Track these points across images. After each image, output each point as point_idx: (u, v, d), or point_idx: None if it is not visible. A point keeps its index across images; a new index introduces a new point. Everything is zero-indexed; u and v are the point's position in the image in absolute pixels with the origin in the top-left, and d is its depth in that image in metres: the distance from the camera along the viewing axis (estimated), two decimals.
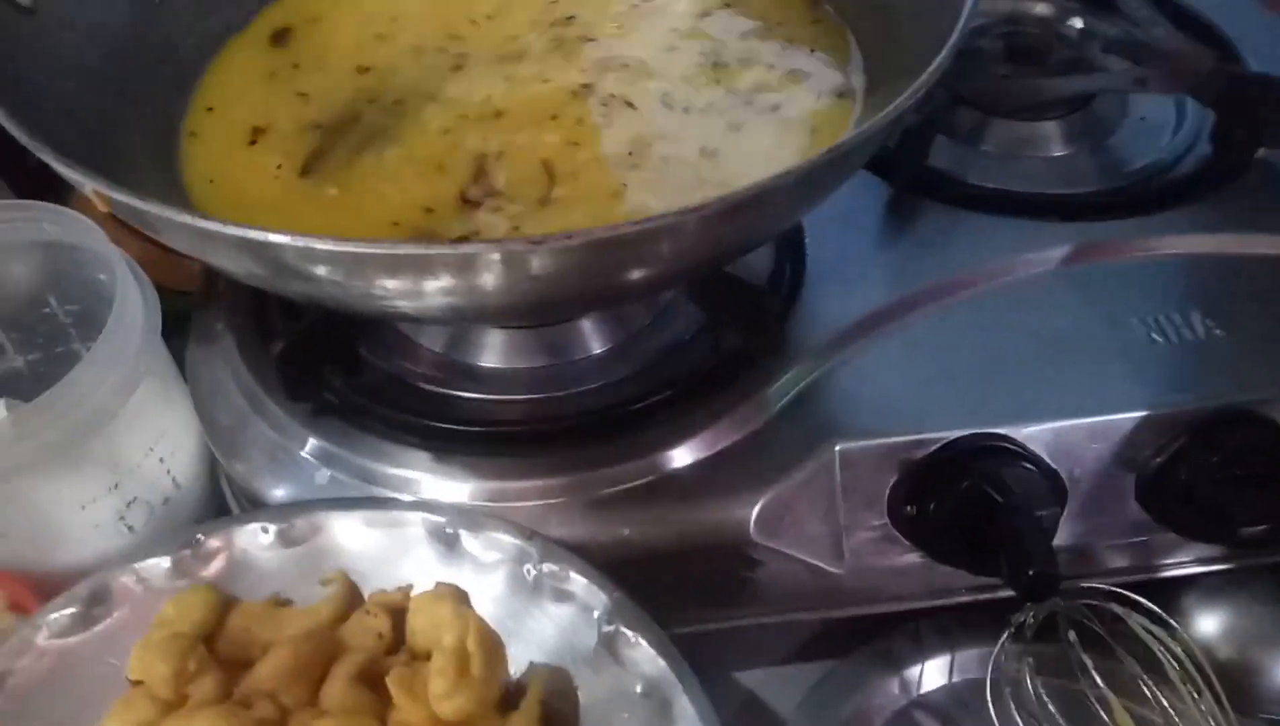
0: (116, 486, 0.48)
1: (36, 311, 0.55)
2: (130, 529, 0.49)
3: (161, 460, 0.50)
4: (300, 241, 0.31)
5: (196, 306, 0.55)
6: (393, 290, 0.34)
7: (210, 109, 0.51)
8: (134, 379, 0.46)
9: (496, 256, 0.31)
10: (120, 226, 0.53)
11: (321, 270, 0.33)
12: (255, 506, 0.50)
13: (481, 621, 0.37)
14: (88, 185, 0.31)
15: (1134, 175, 0.58)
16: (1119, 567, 0.50)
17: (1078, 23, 0.68)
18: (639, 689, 0.38)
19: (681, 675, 0.38)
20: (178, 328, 0.54)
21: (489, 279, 0.33)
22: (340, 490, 0.46)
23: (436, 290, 0.34)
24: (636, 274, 0.36)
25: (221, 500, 0.54)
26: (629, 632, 0.39)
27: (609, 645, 0.39)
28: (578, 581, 0.40)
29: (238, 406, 0.50)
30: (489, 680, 0.36)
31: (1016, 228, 0.54)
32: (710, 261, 0.42)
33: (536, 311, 0.41)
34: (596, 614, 0.40)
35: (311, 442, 0.47)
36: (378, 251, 0.31)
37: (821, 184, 0.37)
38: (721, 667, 0.52)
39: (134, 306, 0.47)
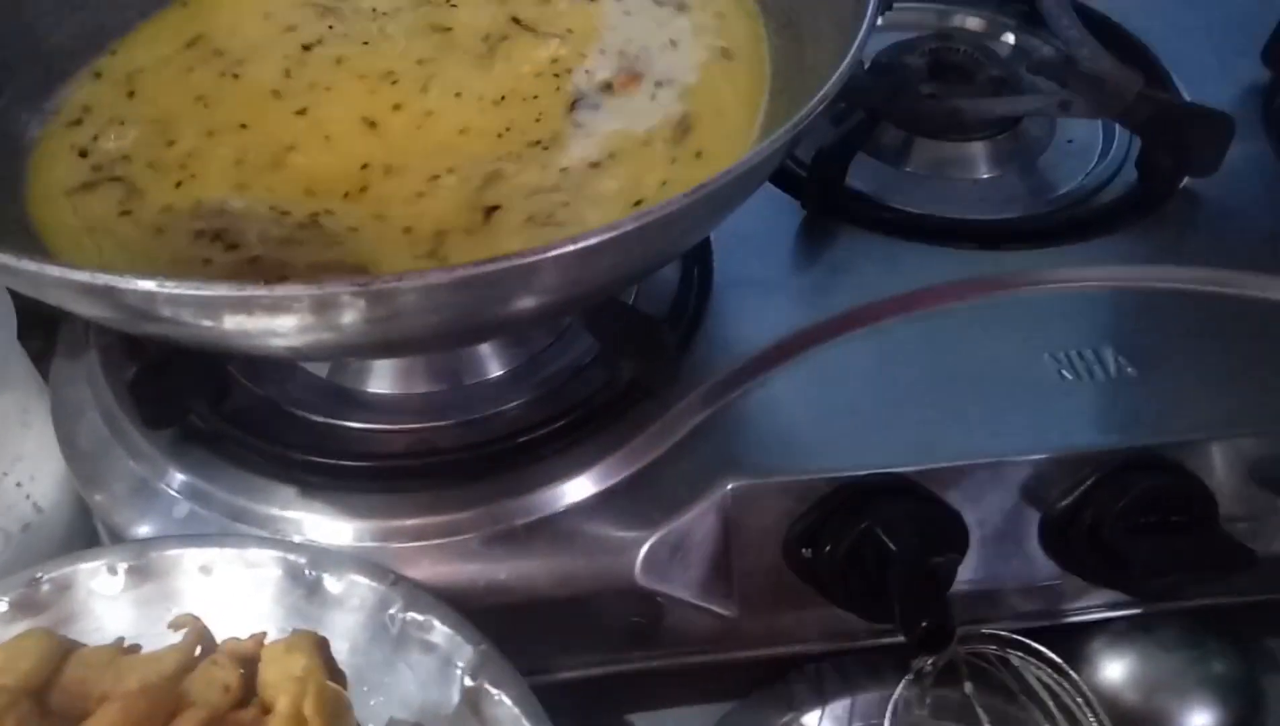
0: None
1: None
2: None
3: (19, 484, 0.47)
4: (112, 281, 0.28)
5: (64, 318, 0.51)
6: (238, 332, 0.32)
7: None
8: None
9: (347, 295, 0.29)
10: None
11: (157, 309, 0.31)
12: (115, 540, 0.47)
13: (322, 682, 0.34)
14: None
15: (1059, 200, 0.57)
16: (1024, 611, 0.48)
17: (1010, 39, 0.66)
18: None
19: None
20: (49, 334, 0.51)
21: (343, 318, 0.30)
22: (201, 526, 0.43)
23: (282, 330, 0.31)
24: (499, 311, 0.33)
25: (91, 525, 0.51)
26: (493, 690, 0.36)
27: (471, 702, 0.37)
28: (442, 631, 0.38)
29: (99, 431, 0.46)
30: None
31: (932, 255, 0.53)
32: (599, 290, 0.40)
33: (404, 347, 0.38)
34: (459, 668, 0.37)
35: (174, 475, 0.44)
36: (203, 293, 0.28)
37: (707, 214, 0.35)
38: (612, 710, 0.50)
39: None
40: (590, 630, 0.45)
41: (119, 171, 0.44)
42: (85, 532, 0.51)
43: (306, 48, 0.50)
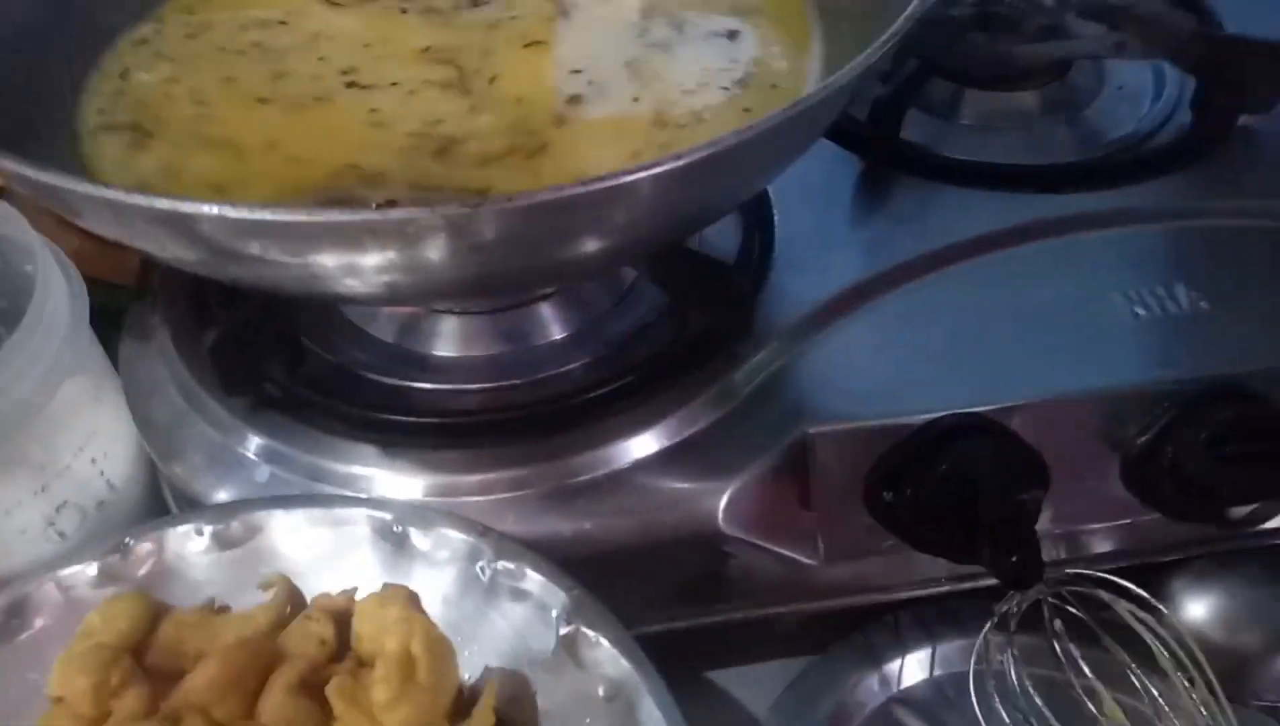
0: (44, 489, 0.45)
1: None
2: (61, 535, 0.46)
3: (94, 461, 0.47)
4: (217, 210, 0.28)
5: (132, 300, 0.51)
6: (325, 262, 0.32)
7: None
8: (59, 375, 0.43)
9: (440, 221, 0.29)
10: (46, 215, 0.51)
11: (247, 243, 0.31)
12: (194, 508, 0.47)
13: (429, 624, 0.35)
14: None
15: (1113, 145, 0.56)
16: (1105, 552, 0.48)
17: None
18: (601, 692, 0.35)
19: (646, 676, 0.35)
20: (113, 323, 0.51)
21: (431, 246, 0.30)
22: (283, 488, 0.43)
23: (374, 263, 0.31)
24: (587, 243, 0.33)
25: (162, 502, 0.51)
26: (590, 632, 0.36)
27: (568, 646, 0.37)
28: (534, 579, 0.38)
29: (174, 403, 0.47)
30: (437, 687, 0.33)
31: (993, 200, 0.52)
32: (667, 230, 0.39)
33: (483, 285, 0.38)
34: (554, 613, 0.37)
35: (253, 439, 0.44)
36: (303, 218, 0.28)
37: (785, 145, 0.35)
38: (692, 666, 0.49)
39: (58, 296, 0.44)
40: (672, 582, 0.45)
41: None
42: (155, 509, 0.52)
43: None
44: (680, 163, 0.29)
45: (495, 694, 0.35)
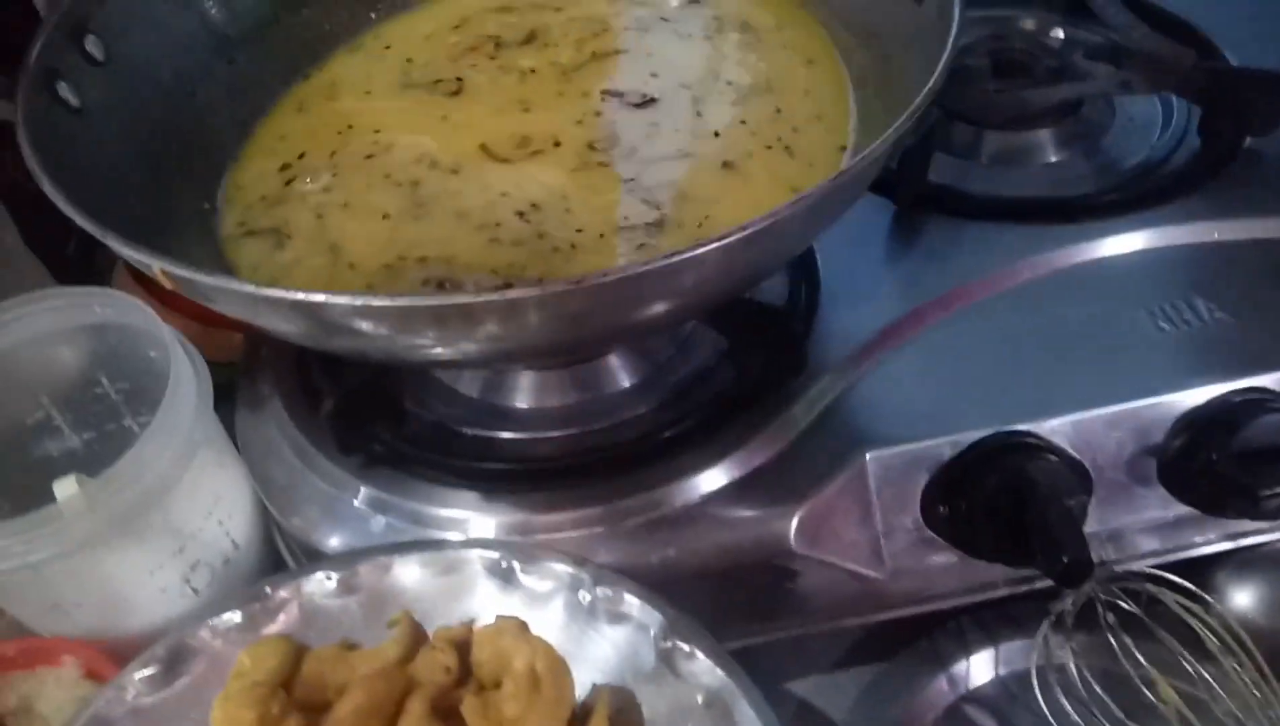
0: (181, 551, 0.50)
1: (89, 391, 0.57)
2: (195, 591, 0.51)
3: (220, 523, 0.52)
4: (353, 301, 0.33)
5: (242, 374, 0.57)
6: (436, 338, 0.37)
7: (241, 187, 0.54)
8: (191, 448, 0.49)
9: (536, 297, 0.34)
10: (164, 305, 0.57)
11: (369, 326, 0.36)
12: (311, 558, 0.52)
13: (548, 646, 0.39)
14: (155, 265, 0.34)
15: (1127, 173, 0.60)
16: (1150, 550, 0.51)
17: (1059, 33, 0.70)
18: (700, 700, 0.39)
19: (740, 682, 0.39)
20: (222, 397, 0.57)
21: (529, 320, 0.35)
22: (395, 535, 0.48)
23: (481, 335, 0.36)
24: (662, 306, 0.38)
25: (277, 556, 0.56)
26: (685, 646, 0.40)
27: (667, 660, 0.41)
28: (631, 602, 0.42)
29: (290, 464, 0.52)
30: (559, 700, 0.38)
31: (1019, 233, 0.57)
32: (729, 290, 0.44)
33: (569, 348, 0.43)
34: (653, 631, 0.41)
35: (364, 492, 0.49)
36: (425, 304, 0.34)
37: (831, 208, 0.39)
38: (771, 678, 0.53)
39: (187, 380, 0.49)
40: (750, 600, 0.49)
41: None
42: (271, 563, 0.57)
43: None
44: (744, 233, 0.34)
45: (607, 706, 0.39)
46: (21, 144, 0.40)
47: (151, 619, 0.50)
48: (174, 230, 0.49)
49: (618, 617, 0.42)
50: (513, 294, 0.31)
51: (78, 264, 0.71)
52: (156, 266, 0.34)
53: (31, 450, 0.57)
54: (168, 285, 0.34)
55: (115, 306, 0.53)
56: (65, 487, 0.44)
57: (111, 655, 0.49)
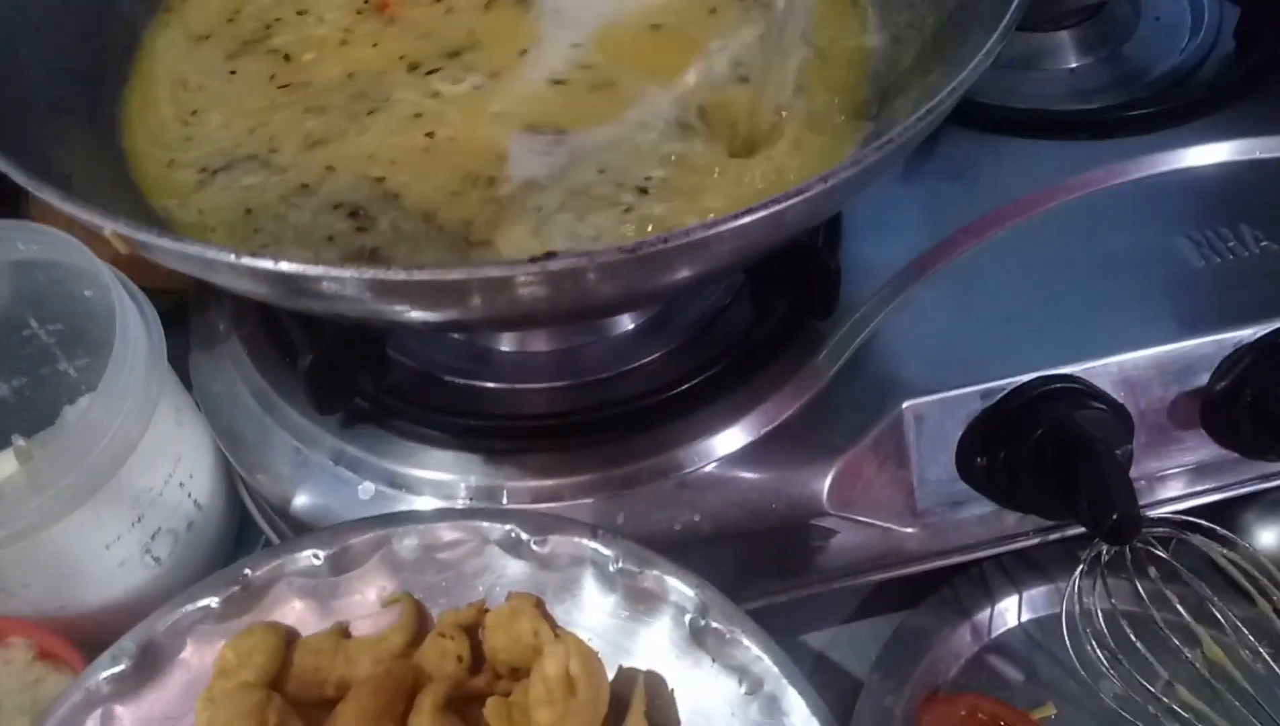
0: (140, 520, 0.45)
1: (15, 335, 0.51)
2: (157, 560, 0.46)
3: (181, 484, 0.47)
4: (332, 272, 0.27)
5: (194, 311, 0.51)
6: (435, 308, 0.31)
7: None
8: (147, 408, 0.43)
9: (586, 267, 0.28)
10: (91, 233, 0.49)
11: (353, 295, 0.30)
12: (283, 518, 0.47)
13: (580, 641, 0.35)
14: (107, 227, 0.27)
15: (1157, 83, 0.56)
16: (1179, 494, 0.49)
17: None
18: (744, 688, 0.36)
19: (785, 669, 0.36)
20: (168, 331, 0.50)
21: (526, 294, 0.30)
22: (384, 500, 0.43)
23: (476, 306, 0.31)
24: (687, 273, 0.33)
25: (244, 514, 0.51)
26: (722, 628, 0.37)
27: (702, 642, 0.37)
28: (661, 580, 0.38)
29: (256, 416, 0.46)
30: (595, 701, 0.34)
31: (1045, 149, 0.53)
32: (767, 250, 0.39)
33: (592, 312, 0.38)
34: (687, 612, 0.38)
35: (339, 448, 0.44)
36: (426, 278, 0.28)
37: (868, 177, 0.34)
38: (787, 632, 0.50)
39: (137, 328, 0.43)
40: (774, 559, 0.46)
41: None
42: (235, 525, 0.52)
43: None
44: (791, 201, 0.29)
45: (644, 700, 0.36)
46: None
47: (110, 594, 0.45)
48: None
49: (646, 595, 0.39)
50: (556, 265, 0.26)
51: None
52: (109, 228, 0.27)
53: None
54: (123, 249, 0.28)
55: (42, 242, 0.46)
56: (4, 464, 0.39)
57: (67, 633, 0.44)
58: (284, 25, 0.50)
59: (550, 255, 0.26)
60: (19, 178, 0.29)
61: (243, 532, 0.52)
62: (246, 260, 0.26)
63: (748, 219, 0.29)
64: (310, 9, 0.50)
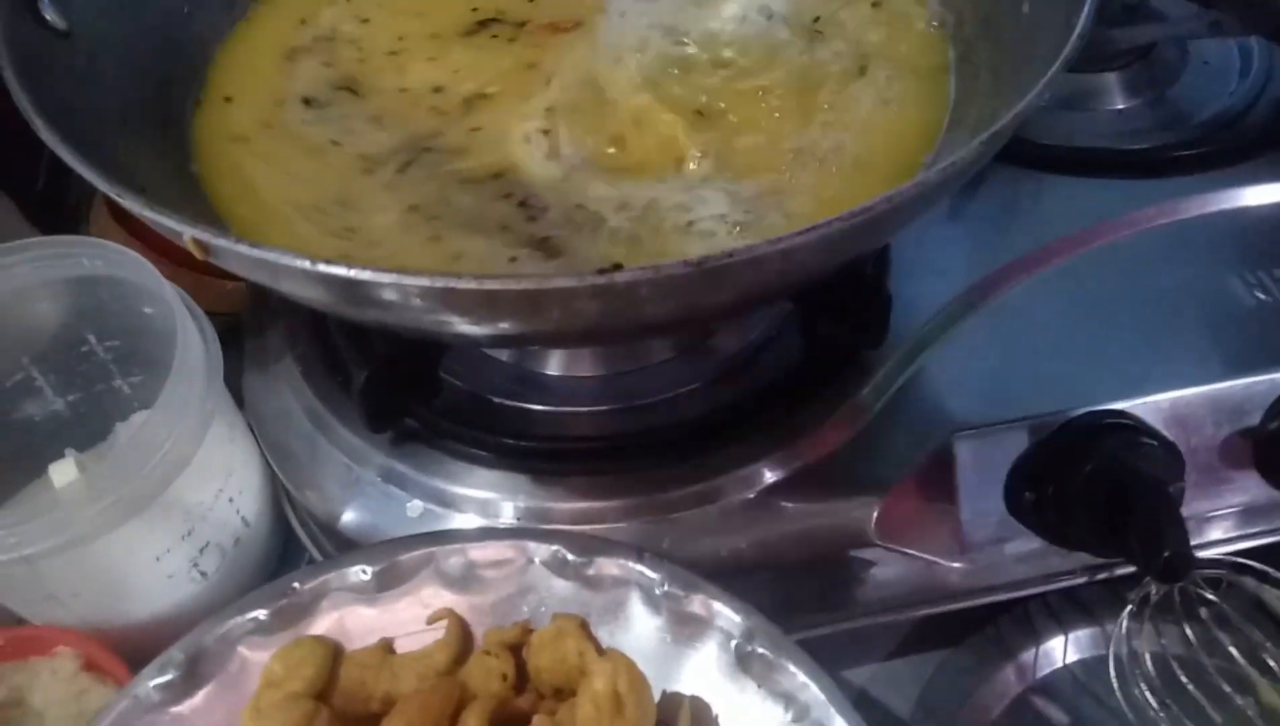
0: (190, 533, 0.45)
1: (74, 350, 0.52)
2: (204, 574, 0.47)
3: (230, 500, 0.47)
4: (402, 279, 0.28)
5: (248, 332, 0.52)
6: (500, 323, 0.32)
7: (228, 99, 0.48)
8: (204, 421, 0.44)
9: (591, 288, 0.29)
10: (150, 249, 0.50)
11: (419, 304, 0.31)
12: (328, 535, 0.47)
13: (628, 660, 0.35)
14: (186, 233, 0.28)
15: (1205, 125, 0.56)
16: (1230, 535, 0.48)
17: None
18: (790, 715, 0.36)
19: (832, 696, 0.36)
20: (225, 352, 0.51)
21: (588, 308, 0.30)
22: (431, 519, 0.44)
23: (558, 317, 0.31)
24: (739, 295, 0.33)
25: (289, 532, 0.52)
26: (768, 653, 0.37)
27: (747, 667, 0.37)
28: (708, 604, 0.38)
29: (306, 434, 0.47)
30: (643, 719, 0.34)
31: (1095, 187, 0.53)
32: (818, 277, 0.40)
33: (636, 334, 0.39)
34: (734, 638, 0.37)
35: (388, 466, 0.45)
36: (494, 287, 0.28)
37: (930, 200, 0.35)
38: (828, 666, 0.50)
39: (195, 347, 0.44)
40: (816, 591, 0.46)
41: None
42: (280, 542, 0.52)
43: None
44: (847, 224, 0.29)
45: (689, 721, 0.35)
46: (7, 77, 0.34)
47: (157, 607, 0.46)
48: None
49: (691, 619, 0.38)
50: (623, 277, 0.26)
51: (47, 199, 0.64)
52: (188, 235, 0.28)
53: (11, 414, 0.51)
54: (199, 255, 0.29)
55: (105, 258, 0.47)
56: (63, 472, 0.39)
57: (112, 645, 0.45)
58: None
59: (617, 267, 0.26)
60: (102, 185, 0.30)
61: (286, 551, 0.53)
62: (323, 267, 0.27)
63: (806, 238, 0.29)
64: None
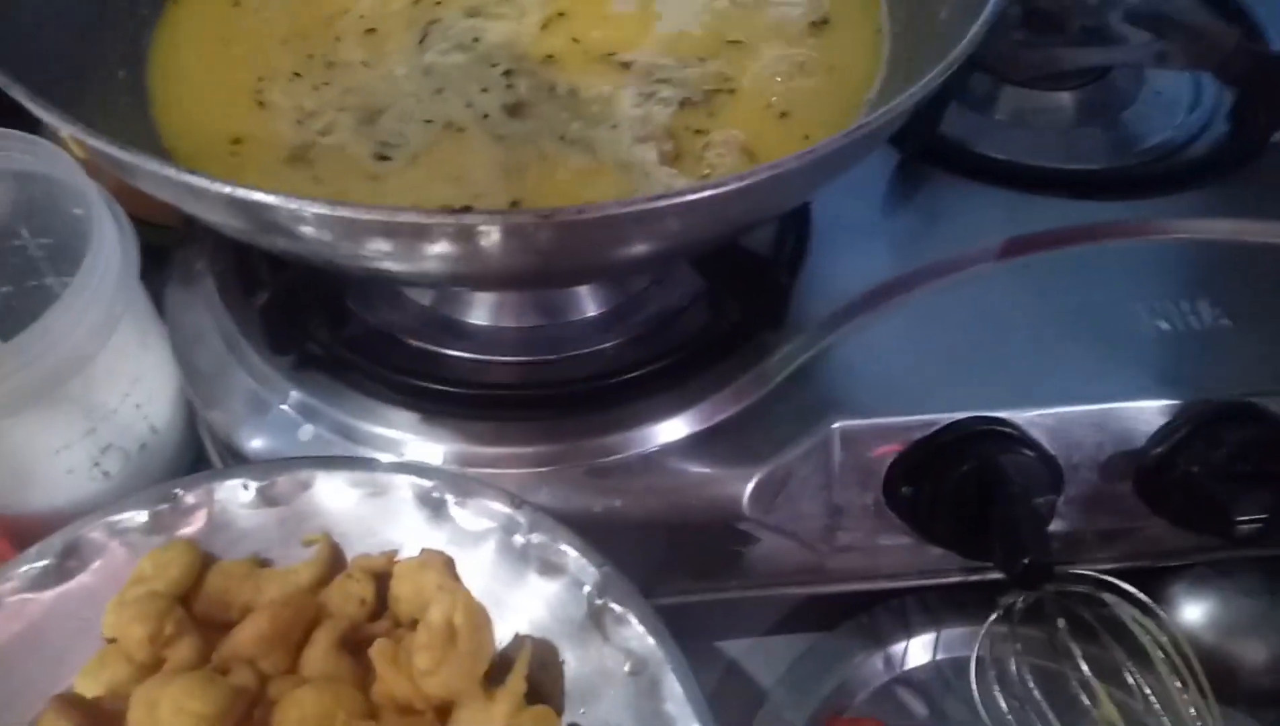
0: (92, 432, 0.46)
1: (6, 242, 0.52)
2: (106, 474, 0.48)
3: (138, 406, 0.48)
4: (294, 204, 0.29)
5: (177, 244, 0.52)
6: (386, 254, 0.33)
7: None
8: (111, 322, 0.45)
9: (497, 228, 0.30)
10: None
11: (312, 232, 0.32)
12: (234, 456, 0.48)
13: (470, 597, 0.36)
14: (64, 129, 0.29)
15: (1147, 153, 0.57)
16: (1109, 554, 0.49)
17: None
18: (627, 667, 0.37)
19: (670, 654, 0.37)
20: (154, 263, 0.52)
21: (489, 249, 0.31)
22: (323, 447, 0.45)
23: (433, 256, 0.32)
24: (641, 249, 0.34)
25: (200, 447, 0.53)
26: (618, 607, 0.38)
27: (597, 620, 0.38)
28: (568, 553, 0.39)
29: (218, 353, 0.48)
30: (475, 655, 0.35)
31: (1025, 203, 0.53)
32: (718, 238, 0.41)
33: (534, 280, 0.39)
34: (586, 588, 0.39)
35: (294, 395, 0.46)
36: (374, 217, 0.30)
37: (841, 162, 0.36)
38: (703, 636, 0.51)
39: (111, 246, 0.45)
40: (692, 558, 0.47)
41: None
42: (192, 453, 0.53)
43: None
44: (741, 184, 0.30)
45: (528, 662, 0.36)
46: None
47: (55, 500, 0.47)
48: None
49: (551, 568, 0.40)
50: (469, 219, 0.27)
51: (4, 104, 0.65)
52: (66, 130, 0.29)
53: None
54: (79, 153, 0.30)
55: (39, 155, 0.47)
56: None
57: (10, 532, 0.46)
58: None
59: (466, 209, 0.27)
60: None
61: (198, 464, 0.54)
62: (190, 179, 0.28)
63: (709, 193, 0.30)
64: None
